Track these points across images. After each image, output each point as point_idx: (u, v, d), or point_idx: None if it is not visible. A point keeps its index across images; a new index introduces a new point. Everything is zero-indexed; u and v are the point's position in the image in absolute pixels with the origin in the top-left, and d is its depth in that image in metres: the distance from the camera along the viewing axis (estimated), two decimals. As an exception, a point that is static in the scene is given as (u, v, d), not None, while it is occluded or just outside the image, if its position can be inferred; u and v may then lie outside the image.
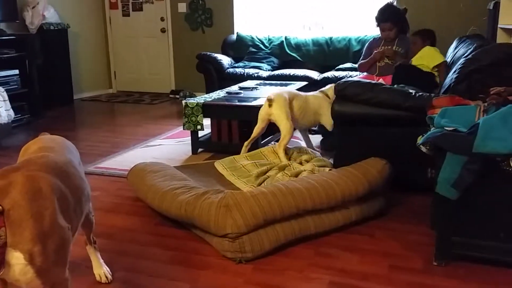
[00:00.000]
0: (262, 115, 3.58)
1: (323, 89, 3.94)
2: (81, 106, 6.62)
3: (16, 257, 1.26)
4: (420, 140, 2.24)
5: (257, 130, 3.63)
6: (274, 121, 3.56)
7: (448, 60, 3.87)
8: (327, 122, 3.73)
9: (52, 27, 6.25)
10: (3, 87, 4.60)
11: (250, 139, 3.65)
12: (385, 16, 4.35)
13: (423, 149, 2.20)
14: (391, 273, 2.17)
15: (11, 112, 4.47)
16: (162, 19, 7.29)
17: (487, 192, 2.10)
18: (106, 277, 2.11)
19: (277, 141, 3.59)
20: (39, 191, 1.34)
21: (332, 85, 3.97)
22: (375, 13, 4.48)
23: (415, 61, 3.86)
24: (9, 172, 1.38)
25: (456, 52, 3.70)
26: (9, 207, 1.26)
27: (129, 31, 7.54)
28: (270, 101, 3.51)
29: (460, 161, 2.04)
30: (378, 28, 4.45)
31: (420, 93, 2.83)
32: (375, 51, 4.37)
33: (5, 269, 1.29)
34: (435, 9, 5.66)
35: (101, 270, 2.12)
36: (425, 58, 3.79)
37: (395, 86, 3.16)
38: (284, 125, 3.48)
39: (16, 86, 5.41)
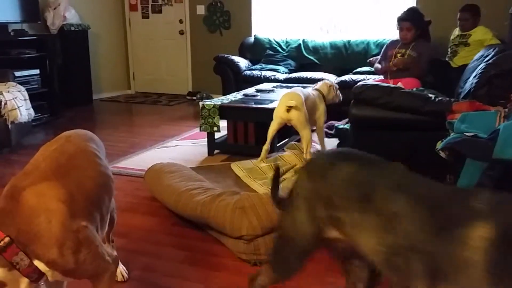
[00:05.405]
0: (279, 118, 3.43)
1: (317, 86, 3.89)
2: (100, 107, 6.69)
3: (41, 266, 1.35)
4: (439, 145, 2.22)
5: (272, 132, 3.49)
6: (294, 126, 3.46)
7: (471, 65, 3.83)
8: (321, 121, 3.76)
9: (72, 28, 6.34)
10: (23, 87, 4.67)
11: (267, 142, 3.50)
12: (406, 16, 4.35)
13: (442, 154, 2.17)
14: (408, 279, 2.14)
15: (31, 111, 4.54)
16: (180, 21, 7.34)
17: (507, 199, 2.06)
18: (122, 275, 2.13)
19: (297, 141, 3.57)
20: (43, 203, 1.36)
21: (325, 81, 4.01)
22: (395, 17, 4.48)
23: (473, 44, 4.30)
24: (12, 188, 1.40)
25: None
26: (18, 232, 1.32)
27: (148, 33, 7.61)
28: (290, 108, 3.36)
29: (479, 167, 2.01)
30: (398, 29, 4.44)
31: (440, 98, 2.80)
32: (394, 61, 4.38)
33: None
34: (455, 14, 5.60)
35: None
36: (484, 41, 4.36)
37: (414, 89, 3.14)
38: (305, 131, 3.41)
39: (37, 86, 5.50)
